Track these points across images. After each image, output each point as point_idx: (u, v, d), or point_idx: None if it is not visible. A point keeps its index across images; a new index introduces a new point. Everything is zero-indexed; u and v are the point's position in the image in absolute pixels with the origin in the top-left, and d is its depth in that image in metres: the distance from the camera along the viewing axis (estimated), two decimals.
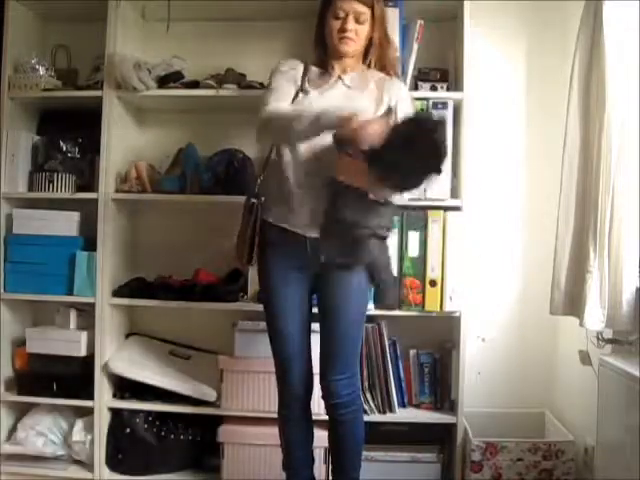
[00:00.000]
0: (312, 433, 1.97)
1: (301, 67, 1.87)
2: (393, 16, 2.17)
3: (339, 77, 1.86)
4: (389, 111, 1.68)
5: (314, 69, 1.88)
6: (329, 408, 1.88)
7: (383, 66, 1.90)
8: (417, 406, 2.33)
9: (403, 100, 1.85)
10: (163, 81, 2.32)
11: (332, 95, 1.82)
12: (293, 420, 1.92)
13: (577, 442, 2.15)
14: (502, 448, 2.12)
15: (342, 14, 1.77)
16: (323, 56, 1.88)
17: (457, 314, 2.22)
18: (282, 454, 1.97)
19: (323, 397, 1.88)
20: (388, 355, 2.26)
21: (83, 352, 2.33)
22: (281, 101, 1.77)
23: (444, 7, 2.31)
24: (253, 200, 1.84)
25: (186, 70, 2.36)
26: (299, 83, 1.83)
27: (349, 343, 1.86)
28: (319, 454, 2.11)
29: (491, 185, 2.48)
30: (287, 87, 1.82)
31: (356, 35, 1.80)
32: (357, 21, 1.78)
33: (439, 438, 2.28)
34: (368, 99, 1.81)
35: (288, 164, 1.79)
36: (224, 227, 2.47)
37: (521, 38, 2.47)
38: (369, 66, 1.90)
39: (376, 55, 1.87)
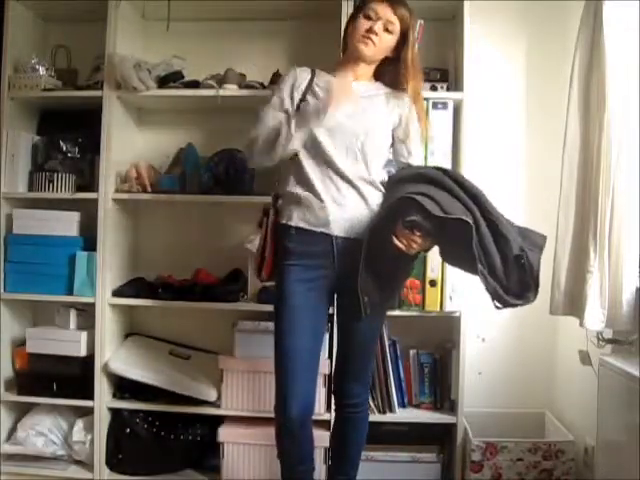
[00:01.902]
0: (313, 443, 1.85)
1: (308, 76, 1.84)
2: None
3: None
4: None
5: (324, 76, 1.84)
6: (339, 406, 1.93)
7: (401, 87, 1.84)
8: (417, 406, 2.33)
9: (410, 122, 1.86)
10: (163, 81, 2.32)
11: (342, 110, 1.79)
12: (294, 441, 1.79)
13: (577, 442, 2.15)
14: (502, 448, 2.12)
15: (373, 16, 1.76)
16: (341, 59, 1.89)
17: (457, 314, 2.22)
18: (281, 467, 1.84)
19: (334, 393, 1.94)
20: (388, 355, 2.26)
21: (83, 352, 2.33)
22: (272, 121, 1.79)
23: (444, 7, 2.32)
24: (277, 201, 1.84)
25: (186, 70, 2.36)
26: (301, 94, 1.81)
27: (368, 351, 1.91)
28: (319, 454, 2.11)
29: (491, 185, 2.47)
30: (285, 103, 1.81)
31: (379, 40, 1.78)
32: (385, 29, 1.77)
33: (439, 438, 2.28)
34: (378, 109, 1.83)
35: (307, 161, 1.77)
36: (224, 227, 2.49)
37: (521, 38, 2.48)
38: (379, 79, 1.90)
39: (404, 78, 1.82)
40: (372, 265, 1.68)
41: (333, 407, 1.98)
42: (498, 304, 1.68)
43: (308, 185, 1.77)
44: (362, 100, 1.82)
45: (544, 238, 1.74)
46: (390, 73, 1.87)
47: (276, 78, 2.26)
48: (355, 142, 1.77)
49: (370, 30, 1.76)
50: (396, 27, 1.78)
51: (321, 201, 1.75)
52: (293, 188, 1.79)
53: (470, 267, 1.68)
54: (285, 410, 1.74)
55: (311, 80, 1.83)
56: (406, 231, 1.64)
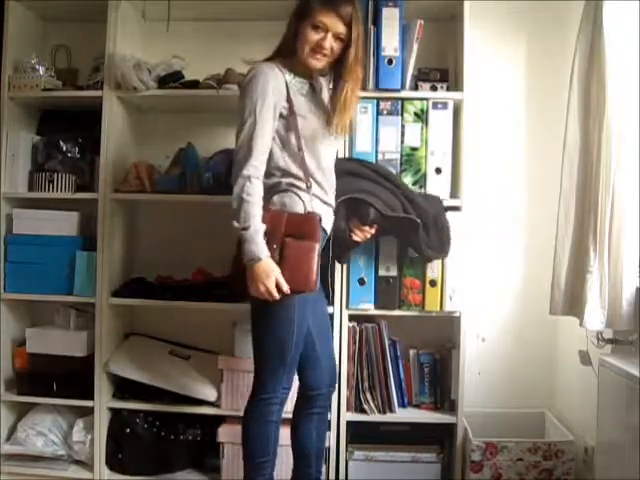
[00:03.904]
0: None
1: (283, 82, 1.74)
2: (393, 16, 2.18)
3: (311, 84, 1.83)
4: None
5: (291, 79, 1.77)
6: (320, 398, 1.93)
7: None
8: (417, 406, 2.33)
9: None
10: (163, 81, 2.32)
11: (316, 116, 1.79)
12: (279, 419, 1.86)
13: (577, 442, 2.15)
14: (502, 448, 2.12)
15: (322, 27, 1.70)
16: (290, 60, 1.78)
17: (457, 314, 2.22)
18: (252, 460, 1.83)
19: (319, 386, 1.93)
20: (388, 355, 2.26)
21: (83, 352, 2.33)
22: (265, 152, 1.71)
23: (444, 7, 2.32)
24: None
25: (186, 70, 2.36)
26: (285, 104, 1.73)
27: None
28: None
29: (491, 185, 2.48)
30: (272, 124, 1.71)
31: (331, 52, 1.74)
32: (335, 38, 1.72)
33: (439, 438, 2.28)
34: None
35: (318, 172, 1.79)
36: (224, 227, 2.48)
37: (521, 38, 2.48)
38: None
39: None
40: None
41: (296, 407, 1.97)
42: (427, 260, 2.13)
43: (321, 187, 1.80)
44: (324, 102, 1.84)
45: (439, 198, 2.16)
46: (335, 67, 1.81)
47: None
48: (331, 146, 1.85)
49: (320, 46, 1.71)
50: (345, 33, 1.72)
51: (327, 204, 1.83)
52: (322, 194, 1.81)
53: (403, 241, 2.15)
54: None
55: (286, 81, 1.75)
56: (366, 227, 1.99)
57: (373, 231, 2.01)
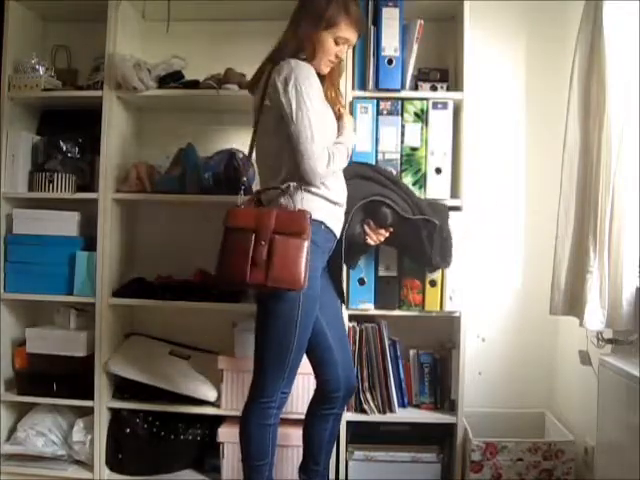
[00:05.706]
0: None
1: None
2: (393, 16, 2.18)
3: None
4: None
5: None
6: (339, 400, 1.92)
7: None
8: (417, 406, 2.33)
9: None
10: (163, 81, 2.32)
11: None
12: (276, 421, 1.85)
13: (577, 442, 2.15)
14: (502, 448, 2.12)
15: (342, 42, 1.78)
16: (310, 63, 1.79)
17: (457, 314, 2.22)
18: (251, 462, 1.83)
19: (339, 388, 1.91)
20: (388, 355, 2.26)
21: (83, 352, 2.33)
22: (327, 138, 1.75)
23: (444, 7, 2.32)
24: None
25: (186, 70, 2.36)
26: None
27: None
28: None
29: (491, 185, 2.48)
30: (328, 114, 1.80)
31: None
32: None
33: (439, 438, 2.28)
34: None
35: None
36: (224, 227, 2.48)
37: (521, 38, 2.48)
38: None
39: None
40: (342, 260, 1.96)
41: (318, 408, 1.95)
42: (430, 268, 2.15)
43: (326, 186, 1.77)
44: None
45: (446, 206, 2.16)
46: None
47: None
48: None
49: (336, 56, 1.80)
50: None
51: (335, 203, 1.80)
52: (329, 193, 1.78)
53: (411, 249, 2.13)
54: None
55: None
56: (381, 230, 2.00)
57: (387, 234, 2.02)
